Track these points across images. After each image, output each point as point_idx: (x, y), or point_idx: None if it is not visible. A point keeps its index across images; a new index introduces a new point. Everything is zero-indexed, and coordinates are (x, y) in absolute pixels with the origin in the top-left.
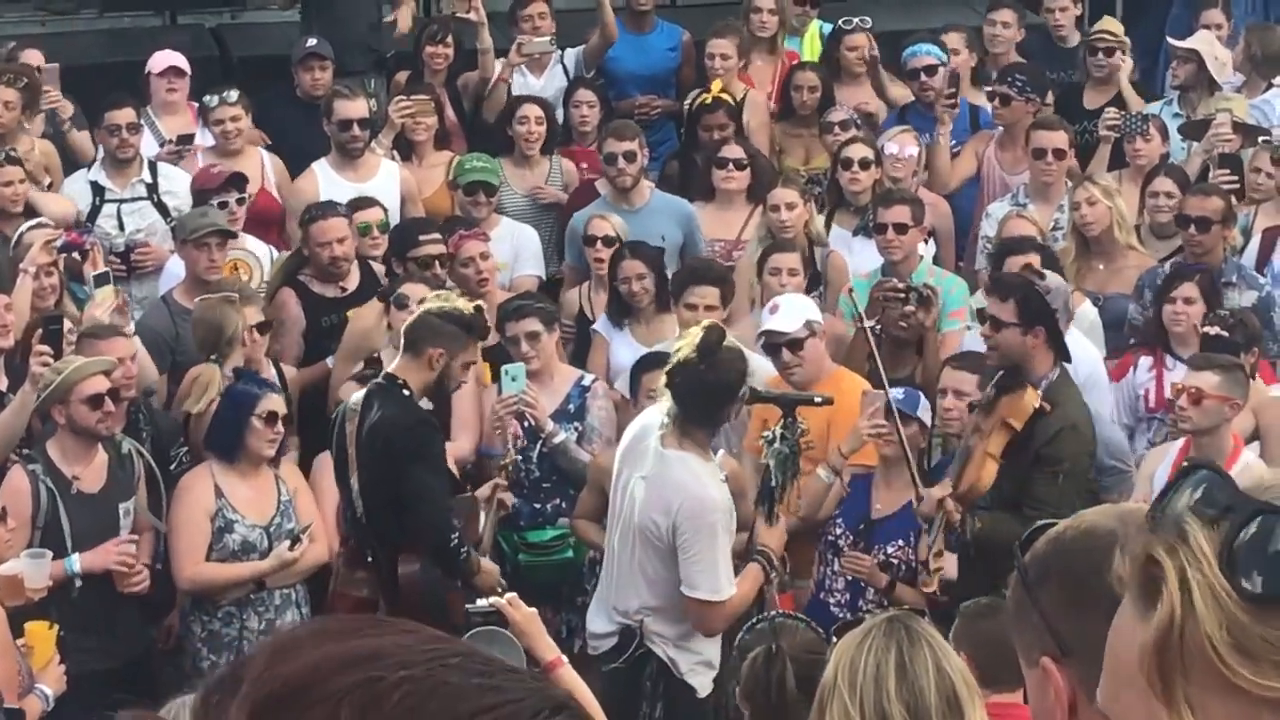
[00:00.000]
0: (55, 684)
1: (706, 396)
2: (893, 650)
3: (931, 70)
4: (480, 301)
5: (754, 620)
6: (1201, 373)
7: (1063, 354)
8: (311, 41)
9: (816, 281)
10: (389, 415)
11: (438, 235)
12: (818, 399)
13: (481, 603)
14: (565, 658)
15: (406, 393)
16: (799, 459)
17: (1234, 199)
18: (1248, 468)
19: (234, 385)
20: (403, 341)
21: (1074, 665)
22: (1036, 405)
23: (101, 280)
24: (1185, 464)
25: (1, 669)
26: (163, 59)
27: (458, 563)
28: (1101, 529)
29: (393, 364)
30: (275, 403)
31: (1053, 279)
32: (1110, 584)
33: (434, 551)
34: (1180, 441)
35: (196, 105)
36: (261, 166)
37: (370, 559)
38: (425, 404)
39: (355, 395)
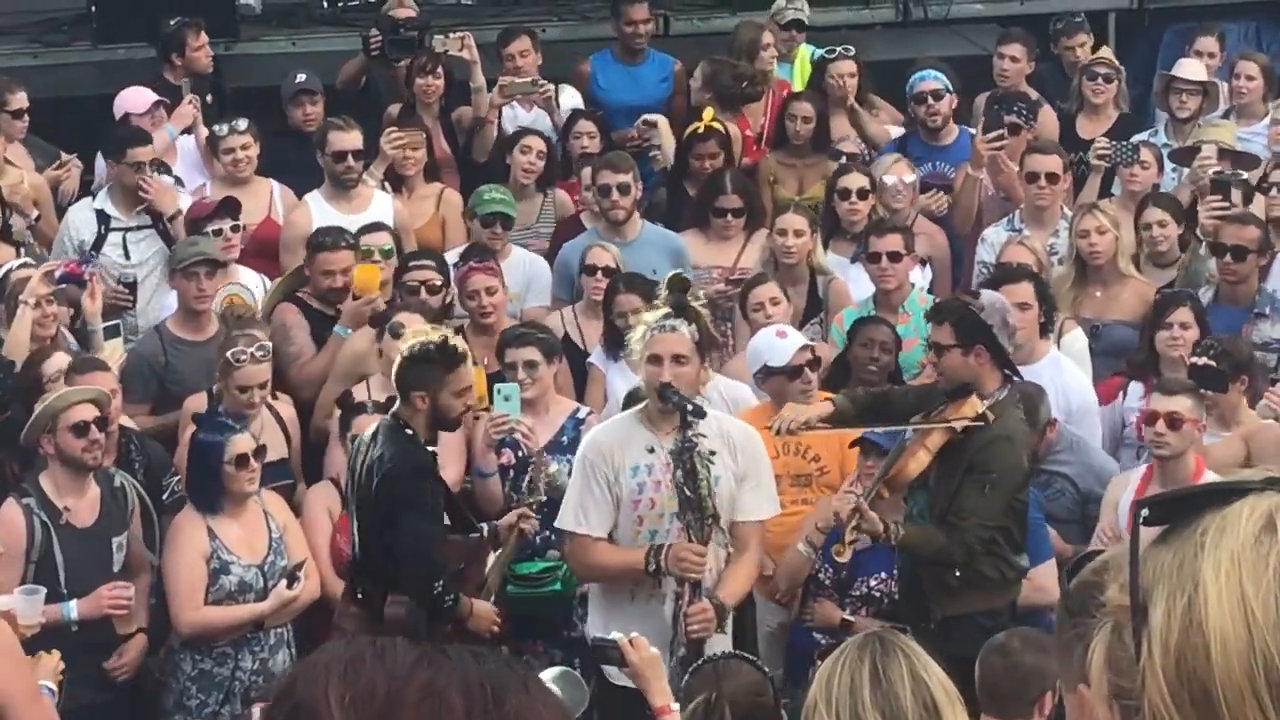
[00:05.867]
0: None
1: None
2: (866, 662)
3: (938, 95)
4: (450, 328)
5: (701, 662)
6: (1175, 397)
7: (1010, 369)
8: (301, 77)
9: (817, 308)
10: (387, 457)
11: (428, 263)
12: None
13: (606, 636)
14: (676, 705)
15: (409, 432)
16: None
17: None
18: None
19: (196, 435)
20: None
21: None
22: (980, 410)
23: (112, 333)
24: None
25: (23, 682)
26: (139, 98)
27: (441, 610)
28: None
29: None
30: (243, 443)
31: (986, 295)
32: None
33: (417, 598)
34: (1142, 469)
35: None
36: (270, 195)
37: (360, 595)
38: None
39: (367, 430)
